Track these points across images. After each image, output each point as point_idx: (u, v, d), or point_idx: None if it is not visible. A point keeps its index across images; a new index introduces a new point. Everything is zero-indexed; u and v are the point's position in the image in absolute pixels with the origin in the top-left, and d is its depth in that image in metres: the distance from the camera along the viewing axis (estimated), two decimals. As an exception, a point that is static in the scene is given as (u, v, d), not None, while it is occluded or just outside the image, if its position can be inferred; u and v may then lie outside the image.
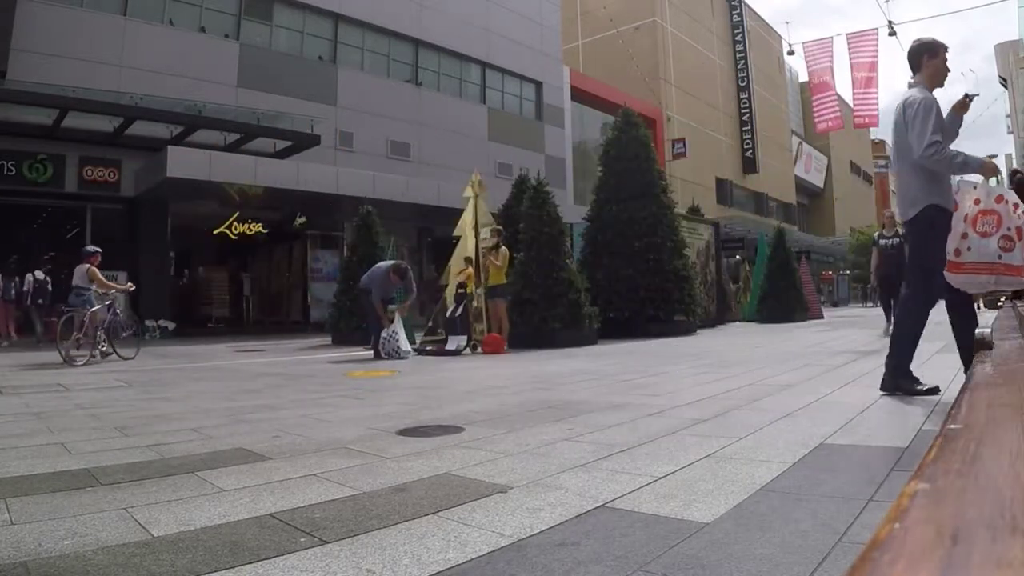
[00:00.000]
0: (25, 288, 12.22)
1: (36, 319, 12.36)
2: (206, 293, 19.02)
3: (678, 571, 1.41)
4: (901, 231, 8.70)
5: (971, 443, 0.43)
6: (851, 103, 27.48)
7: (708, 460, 2.39)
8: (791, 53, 28.48)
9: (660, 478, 2.17)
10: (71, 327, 8.00)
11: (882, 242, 9.06)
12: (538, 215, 9.65)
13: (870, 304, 32.60)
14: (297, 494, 2.08)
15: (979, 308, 5.81)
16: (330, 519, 1.82)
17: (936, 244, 3.20)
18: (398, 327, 8.18)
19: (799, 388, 4.20)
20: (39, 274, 12.38)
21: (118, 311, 9.05)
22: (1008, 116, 49.28)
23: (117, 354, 8.58)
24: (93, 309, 8.21)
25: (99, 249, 8.95)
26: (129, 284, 9.73)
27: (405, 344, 8.20)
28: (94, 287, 8.40)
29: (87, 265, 8.46)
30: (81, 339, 8.00)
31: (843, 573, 0.58)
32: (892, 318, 8.48)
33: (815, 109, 27.96)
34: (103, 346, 8.53)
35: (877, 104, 25.67)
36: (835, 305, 32.99)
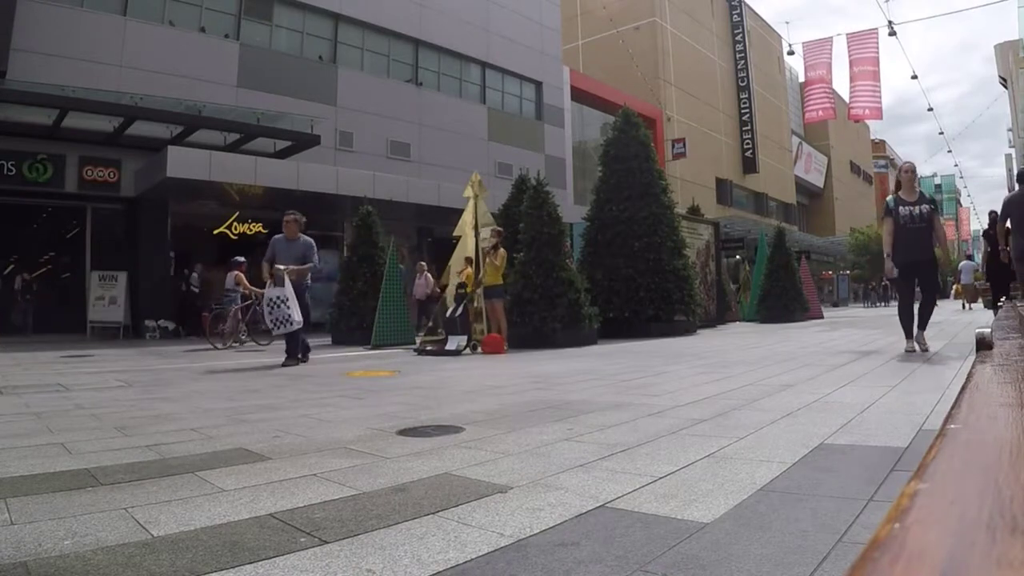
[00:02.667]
0: (16, 288, 12.98)
1: (25, 318, 13.53)
2: (206, 293, 18.98)
3: (678, 571, 1.41)
4: (928, 195, 6.13)
5: (971, 443, 0.43)
6: (848, 100, 27.47)
7: (708, 460, 2.39)
8: (791, 53, 28.54)
9: (660, 478, 2.17)
10: (219, 321, 10.55)
11: (903, 211, 5.93)
12: (538, 215, 9.66)
13: (868, 304, 32.56)
14: (297, 494, 2.08)
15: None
16: (330, 519, 1.82)
17: None
18: (288, 291, 6.98)
19: (799, 388, 4.20)
20: (26, 276, 13.69)
21: (258, 308, 10.75)
22: (1010, 130, 49.28)
23: (255, 342, 10.88)
24: (237, 307, 10.64)
25: (244, 259, 11.30)
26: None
27: (296, 312, 6.97)
28: (240, 289, 10.74)
29: (236, 272, 10.91)
30: (226, 330, 10.52)
31: (843, 573, 0.58)
32: (917, 327, 6.30)
33: (806, 100, 28.00)
34: (244, 335, 10.84)
35: (879, 98, 25.57)
36: (835, 305, 33.00)
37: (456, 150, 20.00)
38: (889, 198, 6.16)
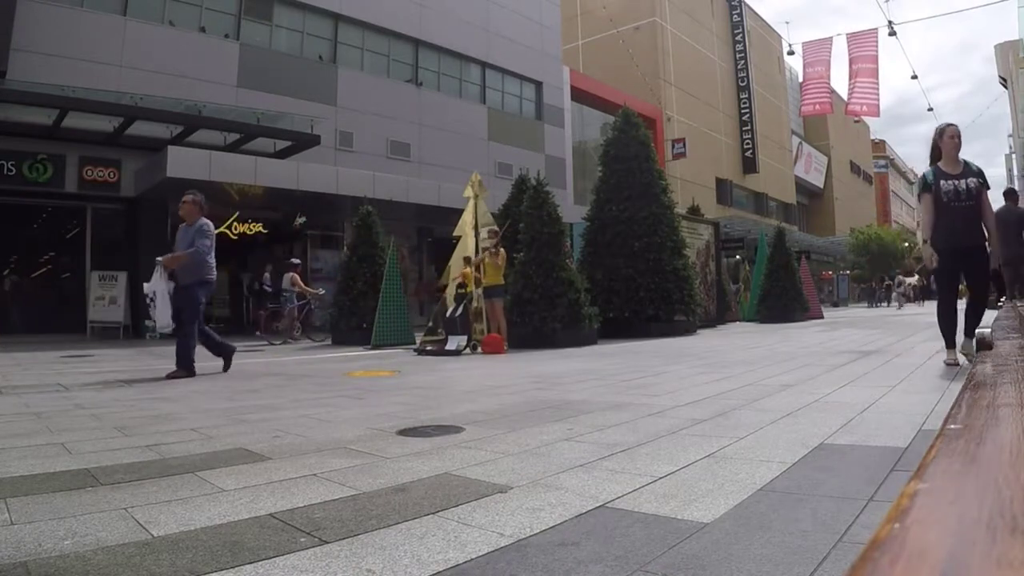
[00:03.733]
0: (6, 288, 13.31)
1: (17, 319, 13.97)
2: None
3: (678, 571, 1.41)
4: (974, 166, 4.92)
5: (971, 443, 0.43)
6: (846, 97, 27.50)
7: (708, 460, 2.39)
8: (791, 53, 28.52)
9: (660, 478, 2.17)
10: (274, 318, 11.71)
11: (945, 185, 4.76)
12: (538, 215, 9.66)
13: (871, 304, 32.53)
14: (297, 494, 2.08)
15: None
16: (330, 519, 1.82)
17: None
18: (156, 286, 5.85)
19: (799, 388, 4.20)
20: (14, 279, 14.38)
21: (313, 307, 11.99)
22: (1010, 135, 49.31)
23: (310, 338, 11.78)
24: (292, 306, 11.69)
25: (299, 261, 12.45)
26: (320, 289, 12.82)
27: (163, 313, 5.85)
28: (295, 289, 11.67)
29: (291, 274, 11.81)
30: (281, 327, 11.68)
31: (843, 573, 0.58)
32: (964, 334, 4.90)
33: (804, 94, 28.04)
34: (298, 332, 11.84)
35: (877, 95, 25.55)
36: (835, 305, 32.98)
37: (456, 150, 20.00)
38: (927, 170, 4.99)
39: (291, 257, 13.10)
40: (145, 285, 5.99)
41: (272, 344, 11.01)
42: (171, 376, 5.85)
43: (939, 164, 4.91)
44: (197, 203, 6.20)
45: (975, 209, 4.75)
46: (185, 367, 5.94)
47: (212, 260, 6.17)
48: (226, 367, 6.41)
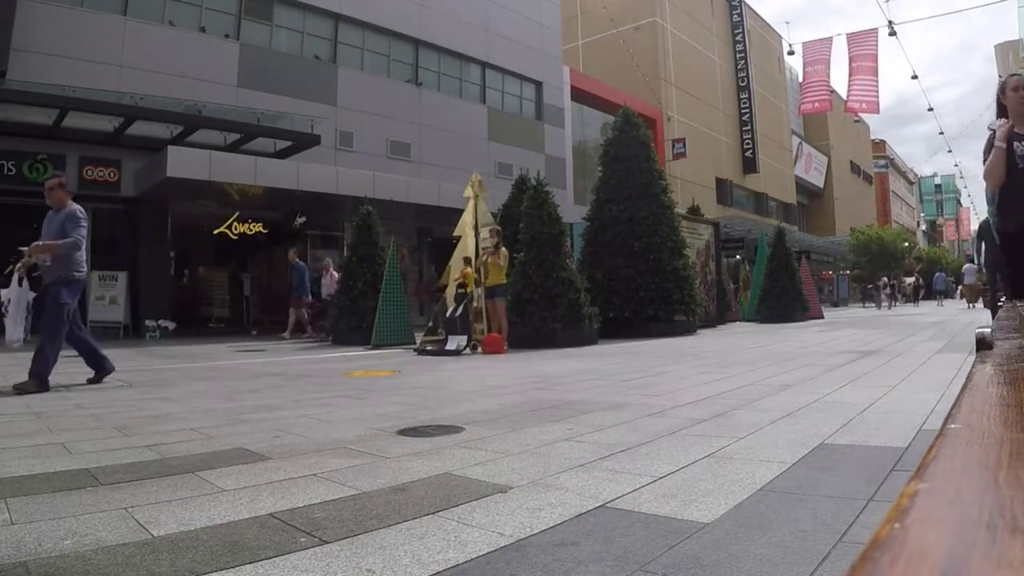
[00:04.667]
0: None
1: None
2: (206, 293, 19.02)
3: (678, 571, 1.41)
4: None
5: (971, 443, 0.43)
6: (846, 95, 27.53)
7: (708, 460, 2.39)
8: (791, 53, 28.53)
9: (660, 478, 2.17)
10: (320, 317, 12.41)
11: (1020, 148, 3.81)
12: (538, 215, 9.66)
13: (871, 304, 32.57)
14: (297, 494, 2.08)
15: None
16: (330, 519, 1.82)
17: None
18: (12, 293, 5.18)
19: (799, 388, 4.20)
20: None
21: None
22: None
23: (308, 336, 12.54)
24: None
25: None
26: None
27: (14, 328, 5.16)
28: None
29: (339, 274, 12.37)
30: (326, 325, 12.01)
31: (843, 573, 0.58)
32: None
33: (803, 92, 28.09)
34: None
35: (877, 92, 25.57)
36: (835, 305, 32.98)
37: (456, 150, 20.00)
38: (995, 125, 4.01)
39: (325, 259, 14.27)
40: (2, 292, 5.24)
41: (319, 341, 11.96)
42: (17, 389, 4.85)
43: (1005, 123, 3.97)
44: (64, 186, 5.43)
45: None
46: (37, 379, 4.94)
47: (83, 255, 5.31)
48: (96, 379, 5.46)
